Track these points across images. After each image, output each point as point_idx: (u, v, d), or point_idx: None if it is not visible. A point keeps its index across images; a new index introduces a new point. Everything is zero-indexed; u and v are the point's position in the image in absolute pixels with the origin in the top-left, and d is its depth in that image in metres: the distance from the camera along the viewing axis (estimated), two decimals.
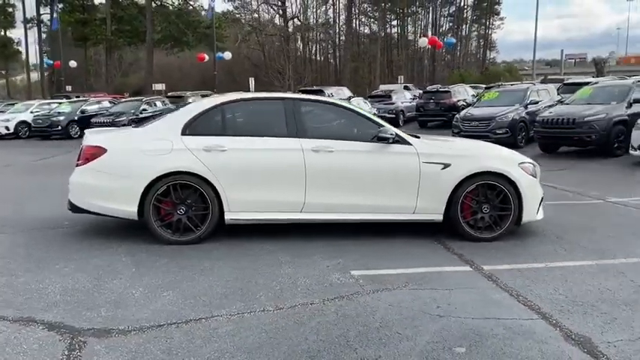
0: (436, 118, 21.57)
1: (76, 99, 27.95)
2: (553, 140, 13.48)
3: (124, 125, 21.95)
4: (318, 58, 65.74)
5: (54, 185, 9.60)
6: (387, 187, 5.75)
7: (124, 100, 26.66)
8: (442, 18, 67.01)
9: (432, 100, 21.67)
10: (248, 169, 5.66)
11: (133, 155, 5.68)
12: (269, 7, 54.33)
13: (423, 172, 5.72)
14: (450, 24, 65.48)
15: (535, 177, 5.95)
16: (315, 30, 61.36)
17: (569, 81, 20.75)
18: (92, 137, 5.93)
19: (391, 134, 5.76)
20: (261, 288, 4.40)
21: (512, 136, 14.70)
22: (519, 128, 15.07)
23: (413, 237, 5.87)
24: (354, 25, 61.88)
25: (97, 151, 5.68)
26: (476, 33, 69.00)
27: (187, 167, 5.60)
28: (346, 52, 52.28)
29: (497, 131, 14.79)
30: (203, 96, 30.23)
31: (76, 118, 23.18)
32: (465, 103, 21.08)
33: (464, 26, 66.69)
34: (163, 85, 40.63)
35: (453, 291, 4.32)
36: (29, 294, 4.28)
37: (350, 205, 5.76)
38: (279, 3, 52.40)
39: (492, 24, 67.88)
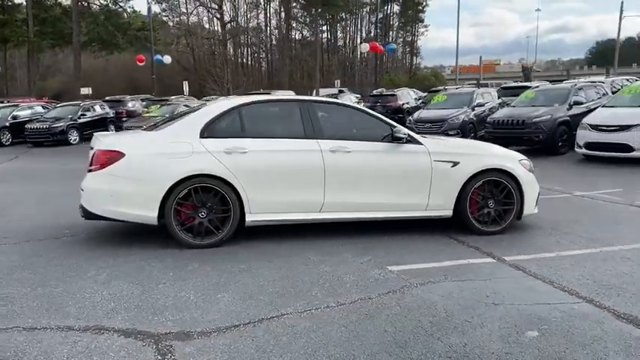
0: None
1: (1, 104, 26.35)
2: (504, 140, 14.09)
3: (62, 131, 21.09)
4: (250, 63, 65.39)
5: (23, 194, 9.15)
6: (401, 186, 5.95)
7: (59, 105, 25.44)
8: (370, 25, 68.62)
9: (378, 103, 22.22)
10: (269, 171, 5.68)
11: (152, 159, 5.55)
12: (205, 10, 53.50)
13: (435, 170, 5.96)
14: (377, 31, 67.03)
15: (532, 173, 6.34)
16: (246, 34, 61.03)
17: (506, 85, 21.87)
18: (107, 141, 5.74)
19: (404, 134, 5.97)
20: (311, 286, 4.45)
21: (463, 136, 15.36)
22: (469, 129, 15.80)
23: (424, 232, 6.09)
24: (286, 30, 62.15)
25: (115, 156, 5.51)
26: (402, 39, 71.11)
27: (209, 170, 5.55)
28: (283, 55, 52.37)
29: (450, 132, 15.42)
30: (143, 100, 29.44)
31: (7, 124, 21.88)
32: (409, 106, 21.79)
33: (391, 33, 68.63)
34: (90, 89, 38.99)
35: (491, 281, 4.56)
36: (79, 302, 4.13)
37: (366, 203, 5.91)
38: (216, 7, 51.71)
39: (417, 31, 70.32)
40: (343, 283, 4.51)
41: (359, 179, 5.87)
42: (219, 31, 52.70)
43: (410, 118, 16.90)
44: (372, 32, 65.64)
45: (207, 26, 58.38)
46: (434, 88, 24.11)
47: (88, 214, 5.64)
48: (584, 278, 4.61)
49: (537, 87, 16.61)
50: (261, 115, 6.06)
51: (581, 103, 14.65)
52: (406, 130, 6.07)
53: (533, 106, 14.41)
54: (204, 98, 27.72)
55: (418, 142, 6.04)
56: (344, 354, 3.28)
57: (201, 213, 5.59)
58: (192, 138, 5.67)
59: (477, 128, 15.81)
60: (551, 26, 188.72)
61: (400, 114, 21.69)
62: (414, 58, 69.25)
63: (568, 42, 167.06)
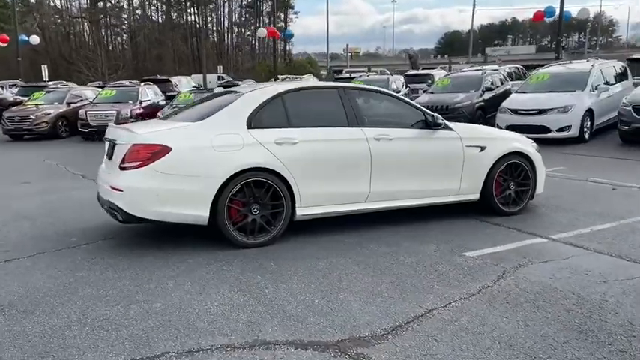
0: None
1: None
2: None
3: None
4: (114, 46, 61.09)
5: None
6: (438, 172, 5.99)
7: None
8: (240, 9, 67.40)
9: None
10: (318, 162, 5.40)
11: (202, 153, 5.00)
12: None
13: (466, 155, 6.07)
14: (247, 15, 66.08)
15: (540, 154, 6.71)
16: (107, 14, 56.88)
17: (410, 72, 22.78)
18: (146, 134, 5.04)
19: (442, 120, 6.00)
20: (418, 279, 4.32)
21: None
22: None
23: (452, 217, 6.15)
24: (149, 11, 58.92)
25: (160, 151, 4.87)
26: (272, 25, 70.60)
27: (263, 163, 5.14)
28: (149, 38, 49.44)
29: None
30: (12, 85, 26.24)
31: None
32: None
33: (260, 18, 68.00)
34: None
35: (570, 259, 4.76)
36: (200, 317, 3.62)
37: (408, 191, 5.86)
38: None
39: (288, 17, 70.43)
40: (443, 274, 4.42)
41: (401, 167, 5.79)
42: (93, 8, 48.36)
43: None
44: (243, 17, 64.69)
45: (64, 5, 53.41)
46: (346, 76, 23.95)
47: (127, 218, 4.94)
48: (638, 247, 4.99)
49: (448, 74, 17.51)
50: (304, 103, 5.70)
51: (491, 89, 15.76)
52: (441, 117, 6.11)
53: (451, 92, 15.21)
54: (93, 84, 25.36)
55: (450, 128, 6.10)
56: (537, 343, 3.25)
57: (254, 209, 5.16)
58: (240, 129, 5.20)
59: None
60: (402, 17, 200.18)
61: None
62: (286, 44, 69.37)
63: (417, 32, 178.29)
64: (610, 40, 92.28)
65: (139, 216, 4.92)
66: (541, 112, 12.65)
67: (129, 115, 17.16)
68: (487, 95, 15.38)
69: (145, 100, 18.48)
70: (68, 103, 18.65)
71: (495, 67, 19.11)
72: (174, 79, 23.75)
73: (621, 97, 14.48)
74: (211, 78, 36.71)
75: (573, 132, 12.28)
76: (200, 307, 3.79)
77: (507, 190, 6.34)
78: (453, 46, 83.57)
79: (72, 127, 17.89)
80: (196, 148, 5.01)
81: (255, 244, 5.16)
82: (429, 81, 20.14)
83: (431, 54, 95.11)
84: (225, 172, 4.98)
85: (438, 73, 21.57)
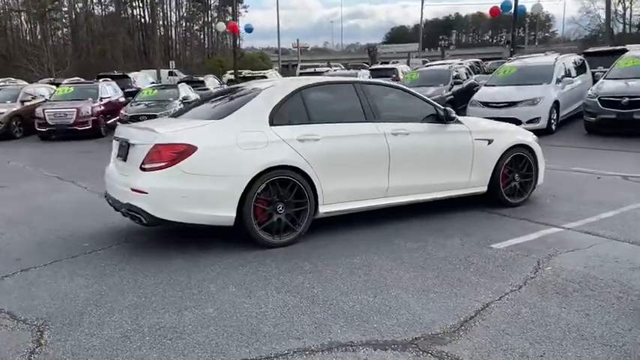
0: None
1: None
2: None
3: None
4: (55, 40, 58.47)
5: None
6: (451, 165, 6.03)
7: None
8: (188, 3, 65.90)
9: None
10: (340, 158, 5.33)
11: (227, 151, 4.84)
12: None
13: (476, 148, 6.15)
14: (195, 9, 64.73)
15: (540, 146, 6.88)
16: (48, 8, 54.43)
17: (375, 67, 22.88)
18: (169, 133, 4.82)
19: (455, 114, 6.05)
20: (459, 272, 4.33)
21: None
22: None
23: (459, 209, 6.22)
24: (91, 4, 56.85)
25: (185, 150, 4.68)
26: (217, 20, 69.47)
27: (289, 160, 5.03)
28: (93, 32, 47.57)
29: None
30: None
31: None
32: None
33: (209, 12, 66.79)
34: None
35: (591, 249, 4.85)
36: (265, 321, 3.50)
37: (423, 185, 5.88)
38: None
39: (237, 11, 69.21)
40: (481, 267, 4.44)
41: (417, 161, 5.80)
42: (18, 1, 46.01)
43: None
44: (190, 11, 63.30)
45: None
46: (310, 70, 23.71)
47: (152, 220, 4.72)
48: None
49: (417, 69, 17.72)
50: (322, 98, 5.62)
51: (459, 83, 16.07)
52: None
53: (421, 86, 15.38)
54: (43, 81, 24.20)
55: (460, 122, 6.16)
56: (605, 332, 3.31)
57: (279, 208, 5.04)
58: (263, 126, 5.06)
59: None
60: (349, 12, 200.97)
61: None
62: (237, 39, 68.14)
63: (364, 27, 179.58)
64: (547, 34, 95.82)
65: (165, 218, 4.72)
66: (511, 104, 12.98)
67: (90, 113, 16.53)
68: (455, 88, 15.68)
69: (105, 97, 17.84)
70: (22, 102, 17.76)
71: (459, 61, 19.48)
72: (131, 75, 22.97)
73: (582, 89, 15.06)
74: (162, 74, 35.77)
75: (542, 123, 12.66)
76: (255, 310, 3.67)
77: (513, 181, 6.45)
78: (400, 40, 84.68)
79: (26, 127, 17.09)
80: (222, 147, 4.84)
81: (281, 243, 5.05)
82: (394, 75, 20.37)
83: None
84: (251, 170, 4.85)
85: (401, 68, 21.83)
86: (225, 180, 4.79)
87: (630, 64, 13.31)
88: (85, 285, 4.20)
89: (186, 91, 18.70)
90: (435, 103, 6.20)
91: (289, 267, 4.52)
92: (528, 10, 26.53)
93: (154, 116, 16.26)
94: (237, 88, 6.10)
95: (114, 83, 19.65)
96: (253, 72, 24.47)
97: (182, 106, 16.95)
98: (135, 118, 16.38)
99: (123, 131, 5.26)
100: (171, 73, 38.83)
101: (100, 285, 4.19)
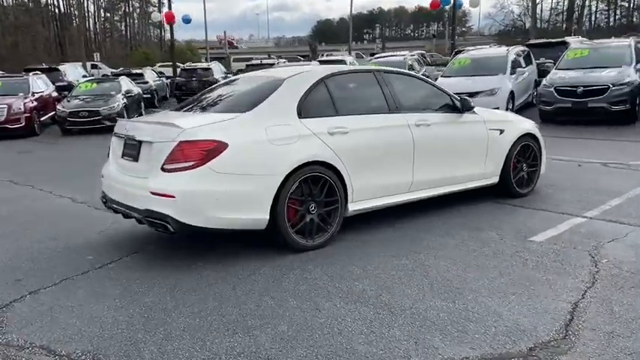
0: None
1: None
2: None
3: None
4: None
5: None
6: (469, 156, 5.83)
7: None
8: None
9: (194, 79, 20.66)
10: (368, 152, 4.98)
11: (261, 148, 4.36)
12: None
13: (490, 138, 5.98)
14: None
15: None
16: None
17: (324, 59, 22.47)
18: (196, 130, 4.24)
19: (473, 104, 5.83)
20: (513, 269, 4.11)
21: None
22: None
23: (470, 202, 6.04)
24: None
25: (216, 147, 4.15)
26: (139, 10, 66.62)
27: (321, 155, 4.61)
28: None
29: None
30: None
31: None
32: (222, 79, 20.95)
33: (130, 2, 63.70)
34: None
35: (627, 238, 4.76)
36: (354, 338, 3.08)
37: (445, 178, 5.64)
38: None
39: (162, 1, 66.56)
40: (539, 263, 4.21)
41: (439, 153, 5.55)
42: None
43: None
44: (110, 1, 60.12)
45: None
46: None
47: (180, 228, 4.15)
48: None
49: (371, 60, 17.54)
50: (346, 88, 5.21)
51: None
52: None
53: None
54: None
55: (475, 111, 5.96)
56: None
57: (311, 208, 4.62)
58: (292, 119, 4.61)
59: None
60: (273, 4, 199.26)
61: None
62: (162, 31, 65.65)
63: (288, 20, 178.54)
64: (464, 29, 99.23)
65: (196, 225, 4.17)
66: (471, 95, 13.00)
67: (22, 109, 15.12)
68: None
69: (37, 92, 16.40)
70: None
71: (410, 53, 19.54)
72: (61, 68, 21.33)
73: (530, 79, 15.49)
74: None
75: None
76: (336, 326, 3.25)
77: (521, 171, 6.34)
78: (326, 34, 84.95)
79: None
80: (254, 143, 4.35)
81: (314, 246, 4.63)
82: None
83: (305, 42, 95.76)
84: (284, 167, 4.39)
85: (349, 59, 21.66)
86: (258, 179, 4.31)
87: (578, 56, 13.78)
88: (118, 306, 3.60)
89: (127, 84, 17.56)
90: (449, 92, 5.96)
91: (338, 272, 4.11)
92: (465, 3, 27.09)
93: (96, 112, 15.16)
94: (247, 78, 5.58)
95: (44, 77, 18.16)
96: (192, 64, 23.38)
97: (126, 100, 15.93)
98: (75, 115, 15.20)
99: (130, 127, 4.62)
100: (94, 66, 36.67)
101: (135, 306, 3.61)
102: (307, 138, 4.58)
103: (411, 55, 17.44)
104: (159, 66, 36.15)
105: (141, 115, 17.61)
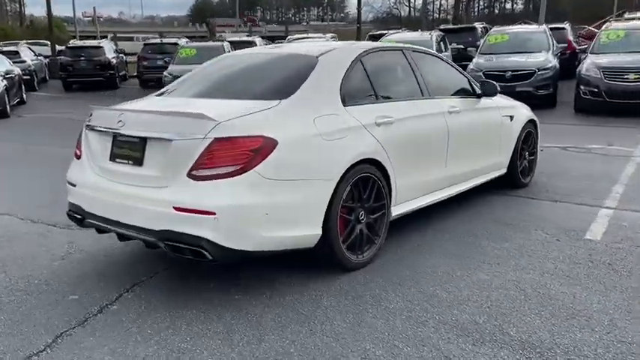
0: (91, 77, 18.28)
1: None
2: None
3: None
4: None
5: None
6: (489, 145, 5.29)
7: None
8: None
9: (82, 58, 18.20)
10: (412, 145, 4.20)
11: (312, 144, 3.38)
12: None
13: (503, 125, 5.46)
14: None
15: None
16: None
17: (236, 39, 20.87)
18: (235, 122, 3.14)
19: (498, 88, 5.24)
20: (605, 280, 3.58)
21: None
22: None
23: (481, 195, 5.50)
24: None
25: (264, 146, 3.11)
26: None
27: (372, 152, 3.75)
28: None
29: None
30: None
31: None
32: (115, 60, 18.80)
33: None
34: None
35: None
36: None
37: (472, 170, 5.03)
38: None
39: None
40: (629, 269, 3.72)
41: (466, 143, 4.89)
42: None
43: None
44: None
45: None
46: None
47: (222, 255, 3.07)
48: None
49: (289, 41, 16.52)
50: (380, 68, 4.30)
51: None
52: None
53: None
54: None
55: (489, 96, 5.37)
56: None
57: (360, 216, 3.74)
58: (338, 107, 3.68)
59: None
60: None
61: (111, 70, 18.39)
62: (21, 6, 58.57)
63: None
64: (342, 15, 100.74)
65: (241, 249, 3.11)
66: None
67: None
68: None
69: None
70: None
71: (325, 35, 18.77)
72: None
73: None
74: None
75: None
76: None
77: (524, 159, 5.91)
78: (205, 15, 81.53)
79: None
80: (305, 139, 3.36)
81: (364, 262, 3.77)
82: None
83: (177, 21, 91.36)
84: (339, 168, 3.47)
85: (258, 41, 20.39)
86: (311, 185, 3.34)
87: (499, 41, 13.95)
88: None
89: (4, 63, 15.00)
90: (467, 74, 5.31)
91: (420, 297, 3.30)
92: None
93: None
94: (251, 55, 4.49)
95: None
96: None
97: (6, 83, 13.55)
98: None
99: (127, 119, 3.39)
100: None
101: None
102: (356, 131, 3.67)
103: (330, 38, 16.72)
104: (24, 44, 31.96)
105: (22, 101, 15.22)
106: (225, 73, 4.26)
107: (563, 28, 17.10)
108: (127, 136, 3.37)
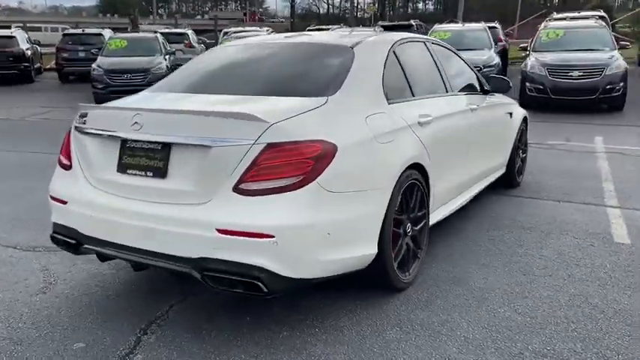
0: (3, 70, 16.40)
1: None
2: None
3: None
4: None
5: None
6: (497, 143, 5.05)
7: None
8: None
9: None
10: (447, 145, 3.82)
11: (368, 149, 2.87)
12: None
13: (506, 123, 5.22)
14: None
15: None
16: None
17: (166, 31, 19.52)
18: (288, 124, 2.56)
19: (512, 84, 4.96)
20: None
21: None
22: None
23: (483, 197, 5.26)
24: None
25: (325, 153, 2.55)
26: None
27: (419, 156, 3.31)
28: None
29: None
30: None
31: None
32: (30, 52, 17.08)
33: None
34: None
35: None
36: None
37: (485, 170, 4.73)
38: None
39: None
40: None
41: (482, 142, 4.58)
42: None
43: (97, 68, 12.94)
44: None
45: None
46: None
47: (279, 286, 2.49)
48: None
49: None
50: (411, 61, 3.80)
51: None
52: None
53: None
54: None
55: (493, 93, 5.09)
56: None
57: (407, 228, 3.28)
58: (383, 104, 3.21)
59: None
60: None
61: (26, 63, 16.63)
62: None
63: None
64: (261, 9, 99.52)
65: (301, 277, 2.55)
66: None
67: None
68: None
69: None
70: None
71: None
72: None
73: None
74: None
75: None
76: None
77: (519, 158, 5.69)
78: (116, 5, 77.49)
79: None
80: (361, 142, 2.84)
81: (411, 280, 3.31)
82: (186, 41, 17.95)
83: (86, 11, 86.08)
84: (393, 175, 3.00)
85: (190, 33, 19.26)
86: (369, 196, 2.84)
87: (442, 38, 13.92)
88: None
89: None
90: (474, 69, 4.98)
91: (477, 317, 2.91)
92: None
93: None
94: (263, 44, 3.87)
95: None
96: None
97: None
98: None
99: (144, 120, 2.70)
100: None
101: None
102: (404, 132, 3.21)
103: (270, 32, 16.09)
104: None
105: None
106: (244, 65, 3.61)
107: (495, 27, 17.48)
108: (144, 141, 2.69)
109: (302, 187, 2.47)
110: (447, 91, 4.09)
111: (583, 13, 16.86)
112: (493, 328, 2.82)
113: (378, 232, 2.90)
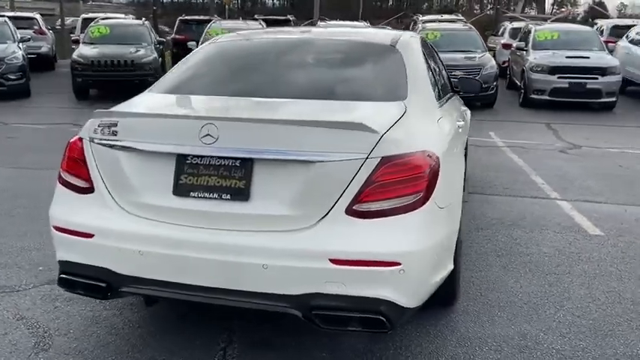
0: None
1: None
2: None
3: None
4: None
5: None
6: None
7: None
8: None
9: None
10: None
11: (450, 157, 2.62)
12: None
13: (466, 124, 5.25)
14: None
15: None
16: None
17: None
18: (399, 134, 2.21)
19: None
20: None
21: None
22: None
23: None
24: None
25: (434, 166, 2.26)
26: None
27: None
28: None
29: (11, 76, 11.37)
30: None
31: None
32: None
33: None
34: None
35: None
36: None
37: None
38: None
39: None
40: None
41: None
42: None
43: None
44: None
45: None
46: None
47: (401, 318, 2.16)
48: None
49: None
50: (428, 59, 3.58)
51: None
52: None
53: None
54: None
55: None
56: None
57: None
58: (437, 106, 2.99)
59: None
60: None
61: None
62: None
63: None
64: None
65: (416, 306, 2.24)
66: None
67: None
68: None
69: None
70: None
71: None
72: None
73: None
74: None
75: None
76: None
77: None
78: None
79: None
80: (447, 151, 2.57)
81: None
82: (35, 27, 15.77)
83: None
84: (462, 184, 2.81)
85: (39, 18, 16.91)
86: (455, 207, 2.63)
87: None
88: None
89: None
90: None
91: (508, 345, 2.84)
92: None
93: None
94: (289, 43, 3.37)
95: None
96: None
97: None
98: None
99: (218, 132, 2.16)
100: None
101: None
102: (458, 136, 3.04)
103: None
104: None
105: None
106: (289, 65, 3.12)
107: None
108: (216, 157, 2.17)
109: (423, 204, 2.17)
110: (446, 91, 3.98)
111: (446, 17, 18.07)
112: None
113: (454, 247, 2.69)
